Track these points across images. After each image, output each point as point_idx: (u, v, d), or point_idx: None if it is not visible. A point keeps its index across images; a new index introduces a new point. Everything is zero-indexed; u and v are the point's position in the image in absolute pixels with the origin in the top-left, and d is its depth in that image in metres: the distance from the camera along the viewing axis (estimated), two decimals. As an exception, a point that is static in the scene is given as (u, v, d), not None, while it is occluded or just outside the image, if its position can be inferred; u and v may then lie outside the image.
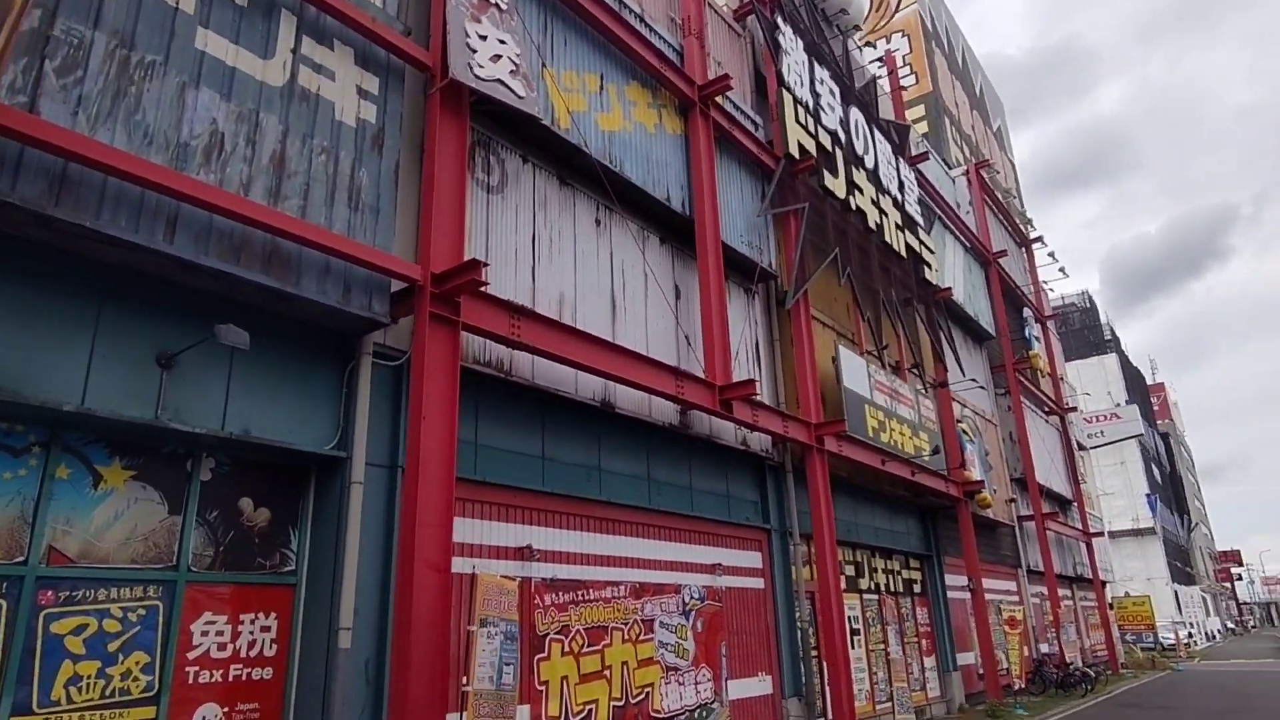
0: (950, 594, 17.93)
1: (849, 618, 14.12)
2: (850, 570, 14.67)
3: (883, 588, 15.63)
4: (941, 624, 17.30)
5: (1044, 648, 23.46)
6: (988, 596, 19.98)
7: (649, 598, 9.60)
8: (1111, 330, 73.75)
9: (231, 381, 6.03)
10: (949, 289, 19.49)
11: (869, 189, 16.35)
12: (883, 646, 15.01)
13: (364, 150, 6.83)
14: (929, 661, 16.64)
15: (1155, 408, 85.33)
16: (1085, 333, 73.21)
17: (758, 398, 10.53)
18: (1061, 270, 33.75)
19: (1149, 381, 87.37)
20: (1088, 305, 73.30)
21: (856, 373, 14.09)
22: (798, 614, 12.05)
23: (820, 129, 14.85)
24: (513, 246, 8.69)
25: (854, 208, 15.43)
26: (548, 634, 8.14)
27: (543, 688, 7.92)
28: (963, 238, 23.70)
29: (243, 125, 5.95)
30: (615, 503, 9.45)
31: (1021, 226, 32.90)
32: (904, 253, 17.42)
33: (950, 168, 27.47)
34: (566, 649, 8.32)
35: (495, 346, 8.02)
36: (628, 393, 9.58)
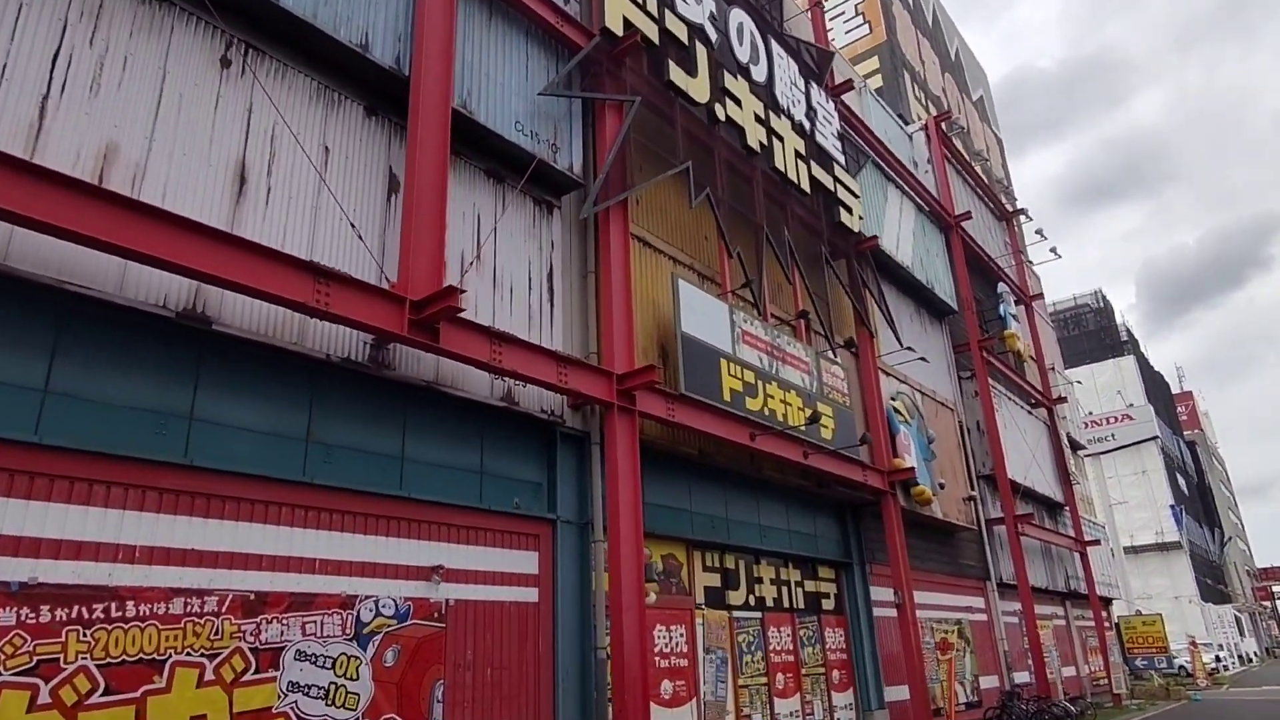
0: (878, 612, 14.33)
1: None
2: (714, 580, 11.23)
3: (769, 603, 12.14)
4: (862, 650, 13.71)
5: (1024, 676, 19.75)
6: (938, 615, 16.39)
7: (278, 614, 6.28)
8: (1129, 331, 69.21)
9: None
10: (875, 238, 16.06)
11: (752, 103, 13.09)
12: (764, 681, 11.51)
13: None
14: (841, 698, 13.06)
15: (1183, 417, 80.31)
16: (1101, 334, 68.82)
17: (464, 314, 7.18)
18: (1053, 250, 30.27)
19: (1175, 390, 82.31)
20: (1101, 305, 68.85)
21: (709, 318, 10.73)
22: (596, 639, 8.67)
23: (672, 15, 11.65)
24: (-3, 59, 5.53)
25: (723, 118, 12.18)
26: (-8, 675, 4.88)
27: (-41, 768, 4.66)
28: (915, 196, 20.29)
29: None
30: (222, 471, 6.19)
31: (1002, 198, 29.40)
32: (807, 187, 14.12)
33: (908, 123, 24.13)
34: (44, 699, 5.04)
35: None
36: (250, 305, 6.37)
